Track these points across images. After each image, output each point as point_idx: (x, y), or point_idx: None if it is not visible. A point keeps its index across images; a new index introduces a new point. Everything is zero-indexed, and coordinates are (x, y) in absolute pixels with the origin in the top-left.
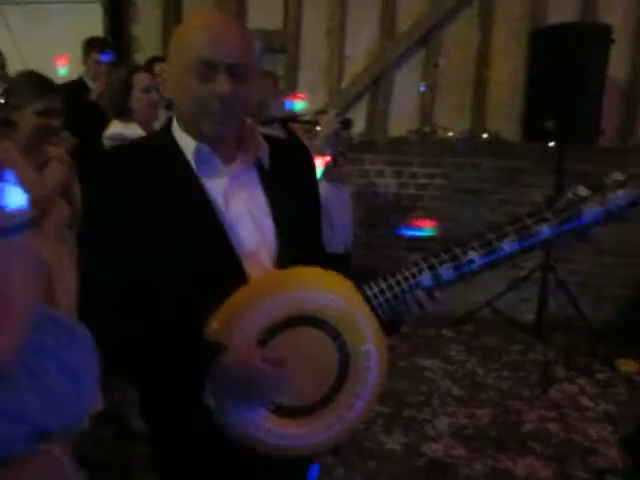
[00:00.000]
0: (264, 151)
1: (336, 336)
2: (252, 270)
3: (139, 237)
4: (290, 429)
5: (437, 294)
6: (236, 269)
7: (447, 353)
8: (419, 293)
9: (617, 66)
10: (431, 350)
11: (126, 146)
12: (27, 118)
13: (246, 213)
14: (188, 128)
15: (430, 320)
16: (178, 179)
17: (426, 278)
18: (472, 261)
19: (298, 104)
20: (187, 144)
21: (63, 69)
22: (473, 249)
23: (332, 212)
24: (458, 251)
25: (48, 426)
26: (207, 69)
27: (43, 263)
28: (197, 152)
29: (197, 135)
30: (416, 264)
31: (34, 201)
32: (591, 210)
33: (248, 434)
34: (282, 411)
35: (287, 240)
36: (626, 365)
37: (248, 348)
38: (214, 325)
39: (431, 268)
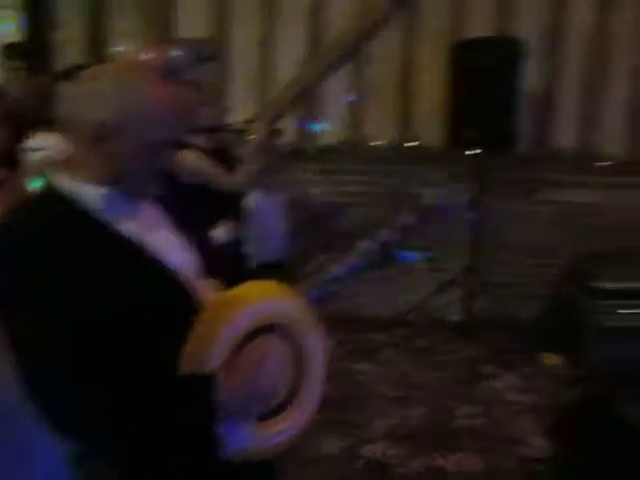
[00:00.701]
0: None
1: (286, 333)
2: (195, 291)
3: (92, 302)
4: (281, 426)
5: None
6: (187, 295)
7: (380, 356)
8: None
9: (532, 78)
10: (364, 354)
11: (24, 214)
12: None
13: (166, 241)
14: (113, 182)
15: (363, 324)
16: (94, 231)
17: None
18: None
19: None
20: (89, 193)
21: None
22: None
23: (263, 222)
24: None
25: None
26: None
27: None
28: (107, 198)
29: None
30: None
31: None
32: None
33: (248, 448)
34: (269, 414)
35: (206, 257)
36: (549, 359)
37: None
38: (188, 359)
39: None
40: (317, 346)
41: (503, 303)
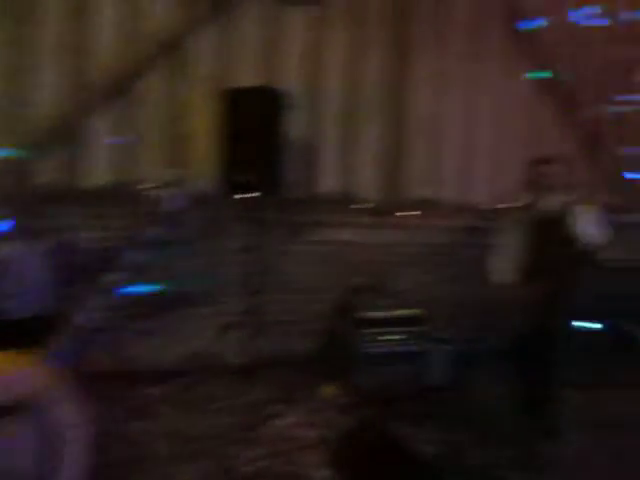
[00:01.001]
0: None
1: (30, 410)
2: None
3: None
4: None
5: None
6: None
7: (156, 412)
8: None
9: (298, 127)
10: (139, 411)
11: None
12: None
13: None
14: None
15: (136, 379)
16: None
17: None
18: None
19: None
20: None
21: None
22: None
23: (21, 272)
24: None
25: None
26: None
27: None
28: None
29: None
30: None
31: None
32: None
33: None
34: None
35: None
36: (329, 390)
37: None
38: None
39: None
40: (72, 416)
41: (283, 341)
